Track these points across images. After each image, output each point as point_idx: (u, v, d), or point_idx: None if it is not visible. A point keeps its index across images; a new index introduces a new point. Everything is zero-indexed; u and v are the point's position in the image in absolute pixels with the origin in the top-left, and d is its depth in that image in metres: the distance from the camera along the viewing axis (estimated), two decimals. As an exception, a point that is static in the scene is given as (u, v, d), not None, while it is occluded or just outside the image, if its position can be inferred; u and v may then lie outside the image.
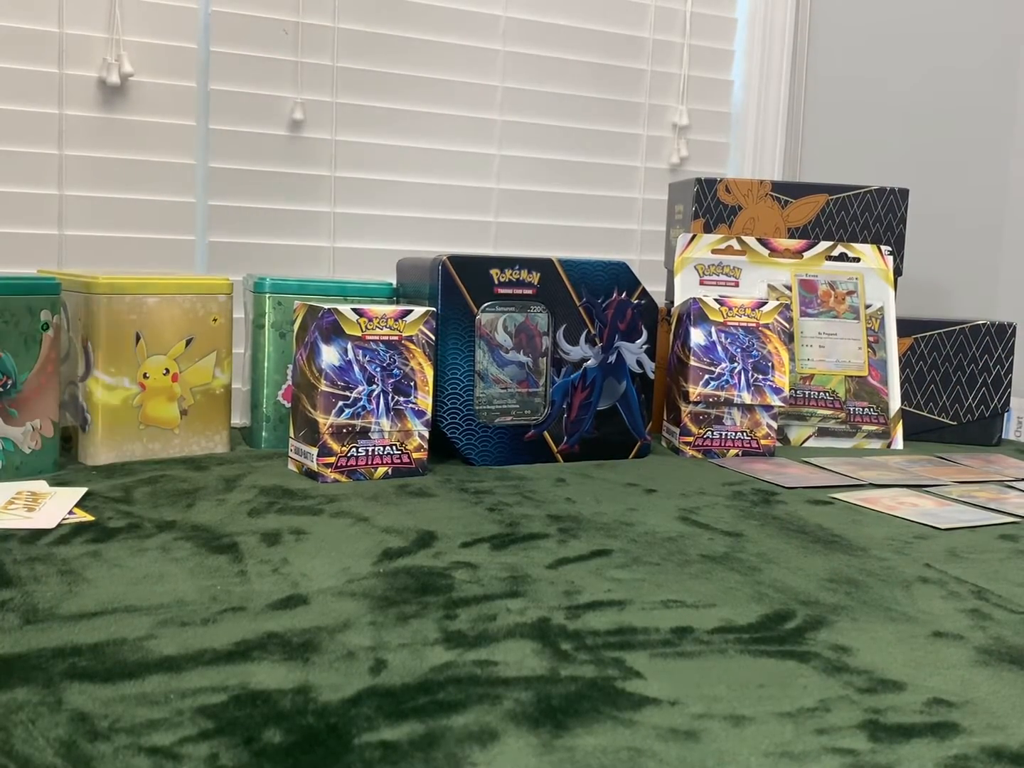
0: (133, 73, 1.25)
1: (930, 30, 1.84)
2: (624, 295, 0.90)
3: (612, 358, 0.92)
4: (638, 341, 0.90)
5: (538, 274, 0.91)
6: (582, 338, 0.91)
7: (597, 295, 0.93)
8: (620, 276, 0.95)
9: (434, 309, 0.92)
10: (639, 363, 0.89)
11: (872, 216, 1.28)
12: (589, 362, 0.90)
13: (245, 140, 1.34)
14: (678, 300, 1.17)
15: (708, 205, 1.26)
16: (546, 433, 0.92)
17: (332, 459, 0.89)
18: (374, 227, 1.43)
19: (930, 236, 1.83)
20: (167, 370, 0.95)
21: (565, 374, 0.91)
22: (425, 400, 0.91)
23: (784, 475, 1.00)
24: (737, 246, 1.21)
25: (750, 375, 1.08)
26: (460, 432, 0.92)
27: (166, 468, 0.92)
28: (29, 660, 0.50)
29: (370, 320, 0.89)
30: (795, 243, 1.23)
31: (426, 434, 0.92)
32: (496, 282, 0.92)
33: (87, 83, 1.24)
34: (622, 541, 0.75)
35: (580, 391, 0.90)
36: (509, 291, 0.92)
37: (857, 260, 1.23)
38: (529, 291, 0.91)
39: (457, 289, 0.91)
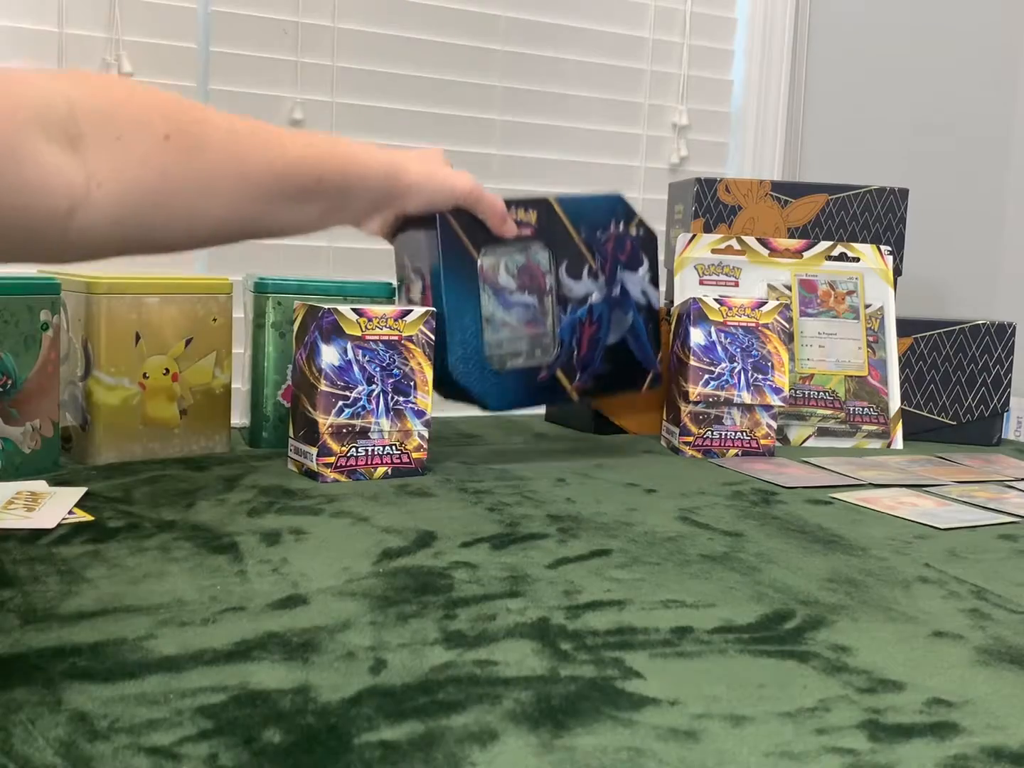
0: (133, 73, 1.25)
1: (930, 30, 1.84)
2: (621, 226, 0.89)
3: (616, 291, 0.92)
4: (640, 270, 0.89)
5: (535, 212, 0.90)
6: (584, 272, 0.91)
7: (595, 229, 0.92)
8: (616, 208, 0.94)
9: (434, 309, 0.92)
10: (643, 293, 0.89)
11: (872, 216, 1.28)
12: (594, 296, 0.90)
13: (245, 140, 1.34)
14: (678, 300, 1.17)
15: (708, 205, 1.26)
16: (559, 371, 0.91)
17: (332, 459, 0.89)
18: (374, 227, 1.43)
19: (930, 236, 1.83)
20: (167, 370, 0.95)
21: (571, 311, 0.90)
22: (425, 400, 0.91)
23: (784, 475, 1.00)
24: (737, 246, 1.21)
25: (750, 375, 1.08)
26: (474, 379, 0.90)
27: (166, 468, 0.92)
28: (29, 660, 0.50)
29: (370, 320, 0.89)
30: (795, 243, 1.23)
31: (426, 434, 0.92)
32: None
33: (87, 83, 1.24)
34: (622, 541, 0.75)
35: (588, 327, 0.90)
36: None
37: (857, 260, 1.23)
38: (527, 231, 0.90)
39: (457, 238, 0.89)
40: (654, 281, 0.97)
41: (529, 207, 0.91)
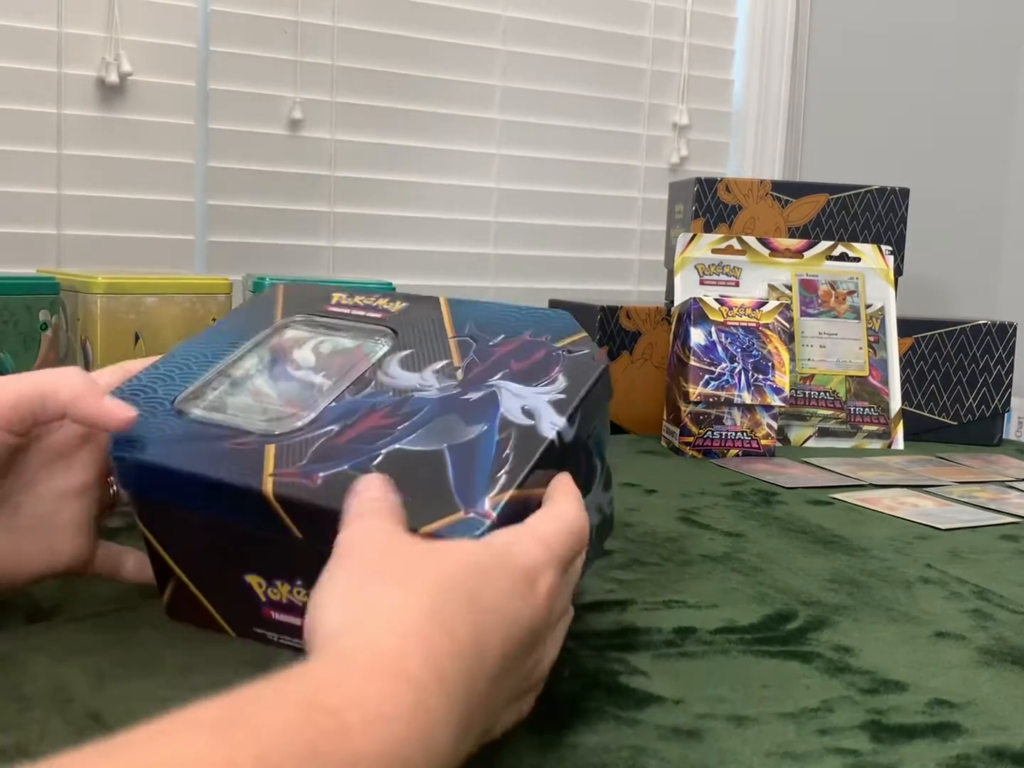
0: (132, 72, 1.25)
1: (930, 30, 1.84)
2: (546, 338, 0.56)
3: (474, 395, 0.51)
4: (539, 386, 0.49)
5: (402, 303, 0.61)
6: (430, 368, 0.52)
7: (495, 332, 0.56)
8: (548, 322, 0.57)
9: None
10: (527, 412, 0.48)
11: (872, 216, 1.28)
12: (427, 392, 0.49)
13: (244, 139, 1.34)
14: (678, 300, 1.17)
15: (708, 205, 1.26)
16: (269, 446, 0.54)
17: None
18: (374, 227, 1.43)
19: (930, 236, 1.83)
20: (167, 370, 0.95)
21: (367, 395, 0.59)
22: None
23: (784, 475, 1.00)
24: (737, 246, 1.21)
25: (750, 375, 1.08)
26: (144, 418, 0.57)
27: (166, 468, 0.91)
28: (38, 659, 0.49)
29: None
30: (795, 243, 1.23)
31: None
32: (332, 302, 0.67)
33: (86, 82, 1.24)
34: (623, 541, 0.75)
35: (374, 415, 0.48)
36: (346, 311, 0.67)
37: (857, 260, 1.23)
38: (376, 315, 0.65)
39: (272, 307, 0.67)
40: (562, 406, 0.58)
41: (401, 299, 0.66)
